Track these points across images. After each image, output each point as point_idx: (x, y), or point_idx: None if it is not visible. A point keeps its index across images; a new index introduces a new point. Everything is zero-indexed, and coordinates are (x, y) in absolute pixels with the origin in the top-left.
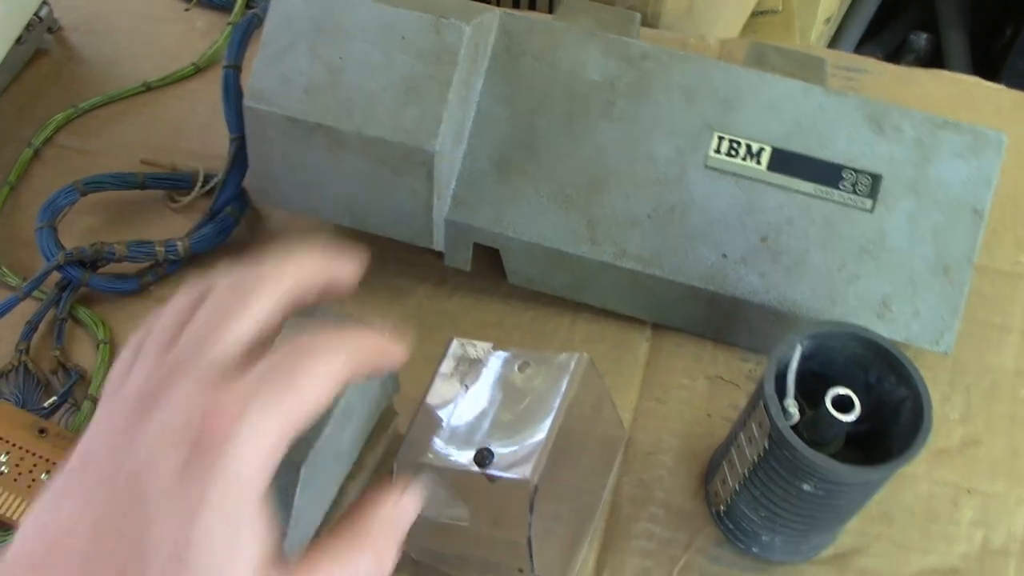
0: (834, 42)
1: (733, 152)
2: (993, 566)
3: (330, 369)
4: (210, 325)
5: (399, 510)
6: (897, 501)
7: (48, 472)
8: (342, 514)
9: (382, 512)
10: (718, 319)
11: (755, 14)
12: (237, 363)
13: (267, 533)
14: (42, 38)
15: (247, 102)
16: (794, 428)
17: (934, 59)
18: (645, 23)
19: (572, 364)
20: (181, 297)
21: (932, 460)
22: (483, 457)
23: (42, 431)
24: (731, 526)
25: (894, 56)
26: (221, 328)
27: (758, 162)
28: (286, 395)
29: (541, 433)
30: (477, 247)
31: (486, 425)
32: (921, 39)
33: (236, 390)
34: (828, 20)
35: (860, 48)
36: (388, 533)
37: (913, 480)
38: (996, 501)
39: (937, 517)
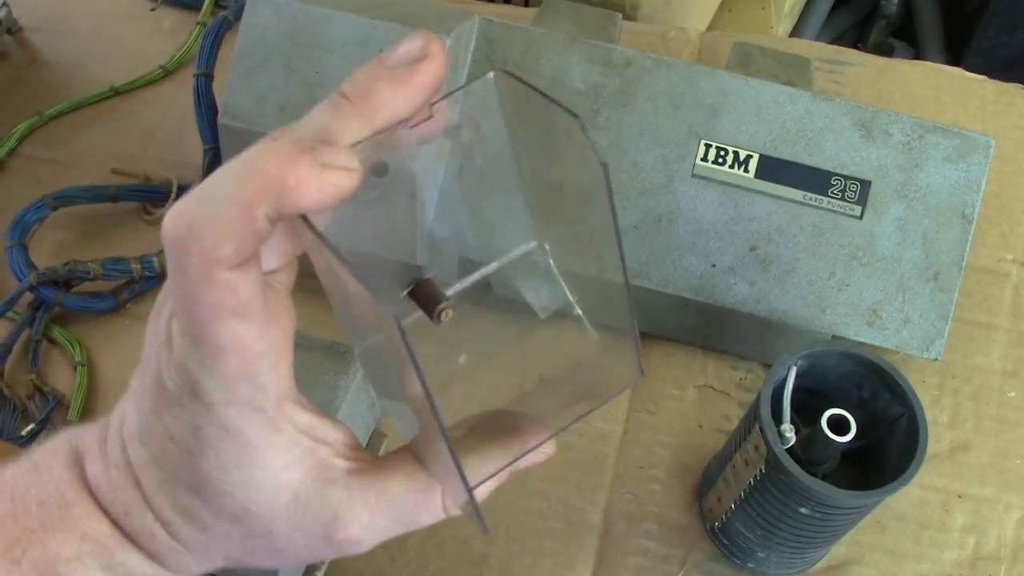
0: (805, 11)
1: (720, 160)
2: (984, 572)
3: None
4: None
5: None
6: (889, 509)
7: None
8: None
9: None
10: (707, 328)
11: None
12: None
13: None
14: (1, 40)
15: (221, 119)
16: (790, 448)
17: (905, 25)
18: (625, 15)
19: (490, 82)
20: None
21: (922, 466)
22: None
23: None
24: (726, 542)
25: (866, 21)
26: None
27: (746, 170)
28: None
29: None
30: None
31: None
32: (892, 4)
33: None
34: None
35: (831, 15)
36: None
37: (905, 487)
38: (986, 506)
39: (929, 524)
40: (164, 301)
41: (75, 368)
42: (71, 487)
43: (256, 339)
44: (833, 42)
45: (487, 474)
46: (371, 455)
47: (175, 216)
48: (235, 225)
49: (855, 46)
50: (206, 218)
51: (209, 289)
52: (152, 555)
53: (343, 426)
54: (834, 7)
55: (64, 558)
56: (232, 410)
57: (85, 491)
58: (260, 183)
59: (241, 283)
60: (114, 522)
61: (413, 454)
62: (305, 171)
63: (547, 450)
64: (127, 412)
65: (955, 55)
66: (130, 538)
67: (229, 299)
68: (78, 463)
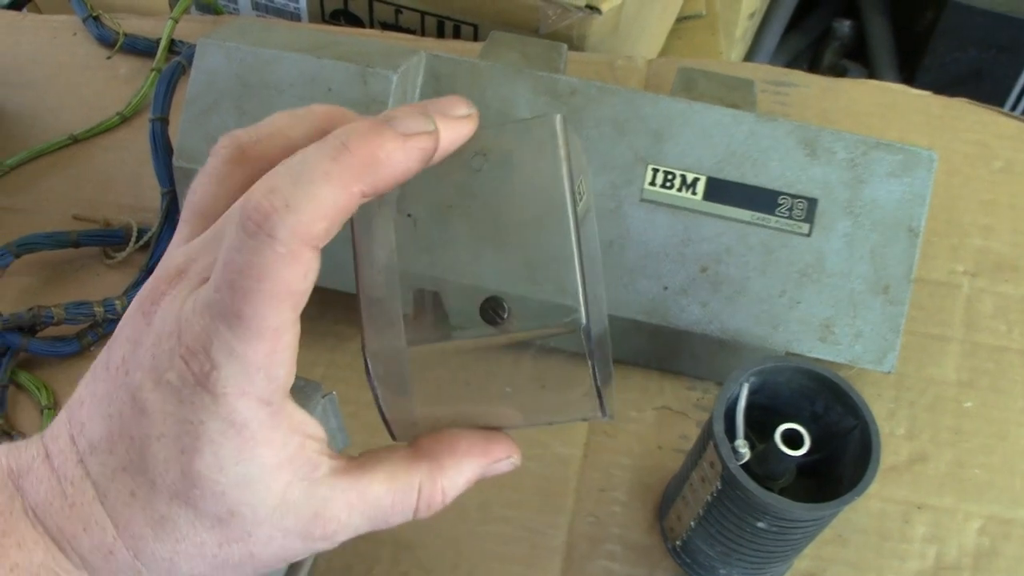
0: (758, 35)
1: (668, 184)
2: None
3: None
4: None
5: (490, 464)
6: (849, 522)
7: None
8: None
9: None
10: (662, 350)
11: (679, 19)
12: None
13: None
14: None
15: (176, 162)
16: (745, 464)
17: (858, 46)
18: (572, 46)
19: (556, 126)
20: None
21: (881, 478)
22: (494, 311)
23: None
24: (688, 560)
25: (819, 44)
26: None
27: (693, 192)
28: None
29: (559, 241)
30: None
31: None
32: (844, 26)
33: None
34: (752, 15)
35: (784, 39)
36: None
37: (864, 499)
38: (946, 516)
39: (889, 535)
40: (155, 297)
41: (42, 412)
42: (1, 515)
43: (292, 328)
44: (788, 66)
45: (463, 483)
46: (348, 456)
47: (267, 192)
48: (333, 203)
49: (809, 69)
50: (305, 195)
51: (288, 265)
52: None
53: (319, 423)
54: (787, 31)
55: None
56: (243, 401)
57: (21, 515)
58: (355, 161)
59: (314, 267)
60: (57, 545)
61: (394, 455)
62: (392, 144)
63: (516, 460)
64: (83, 422)
65: (908, 74)
66: (76, 561)
67: (296, 280)
68: (14, 484)
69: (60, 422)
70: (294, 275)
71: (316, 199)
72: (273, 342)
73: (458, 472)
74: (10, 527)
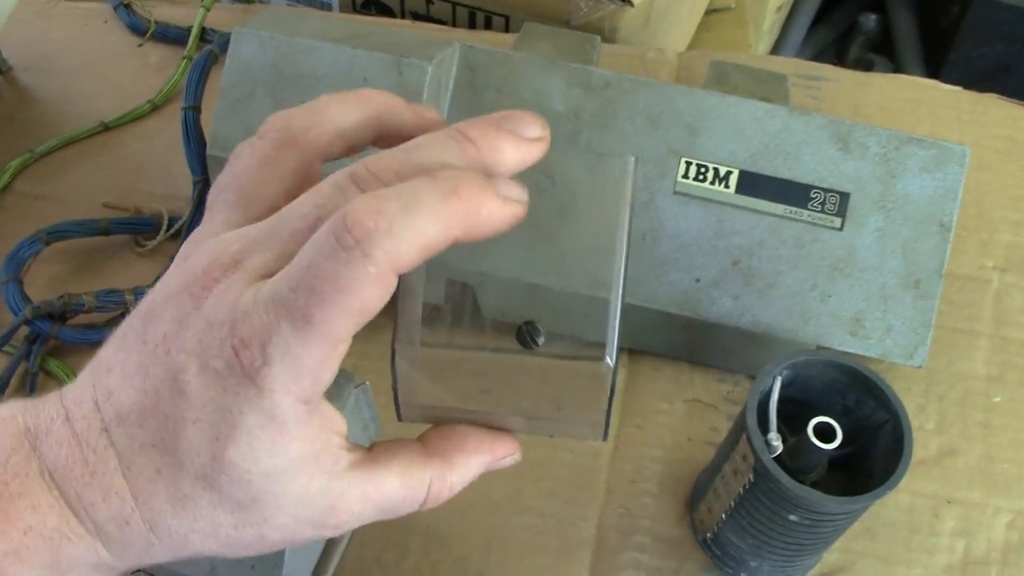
0: (785, 29)
1: (701, 177)
2: None
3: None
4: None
5: (494, 461)
6: (879, 515)
7: None
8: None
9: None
10: (693, 343)
11: (709, 12)
12: None
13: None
14: None
15: (211, 151)
16: (777, 457)
17: (884, 39)
18: (603, 38)
19: (629, 168)
20: None
21: (911, 472)
22: (530, 335)
23: None
24: (718, 553)
25: (845, 38)
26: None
27: (726, 185)
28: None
29: (602, 280)
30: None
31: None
32: (870, 20)
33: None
34: (779, 8)
35: (811, 32)
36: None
37: (894, 493)
38: (975, 510)
39: (918, 529)
40: (207, 282)
41: None
42: (17, 476)
43: (349, 340)
44: (813, 59)
45: (469, 478)
46: (362, 447)
47: (373, 211)
48: (431, 240)
49: (835, 62)
50: (409, 226)
51: (373, 285)
52: (112, 544)
53: (343, 417)
54: (813, 24)
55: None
56: (287, 399)
57: (38, 478)
58: (462, 208)
59: (391, 291)
60: (73, 511)
61: (406, 450)
62: (494, 203)
63: (517, 456)
64: (111, 390)
65: (934, 68)
66: (89, 528)
67: (374, 300)
68: (31, 445)
69: (83, 385)
70: (374, 295)
71: (418, 232)
72: (330, 350)
73: (466, 468)
74: (25, 489)
